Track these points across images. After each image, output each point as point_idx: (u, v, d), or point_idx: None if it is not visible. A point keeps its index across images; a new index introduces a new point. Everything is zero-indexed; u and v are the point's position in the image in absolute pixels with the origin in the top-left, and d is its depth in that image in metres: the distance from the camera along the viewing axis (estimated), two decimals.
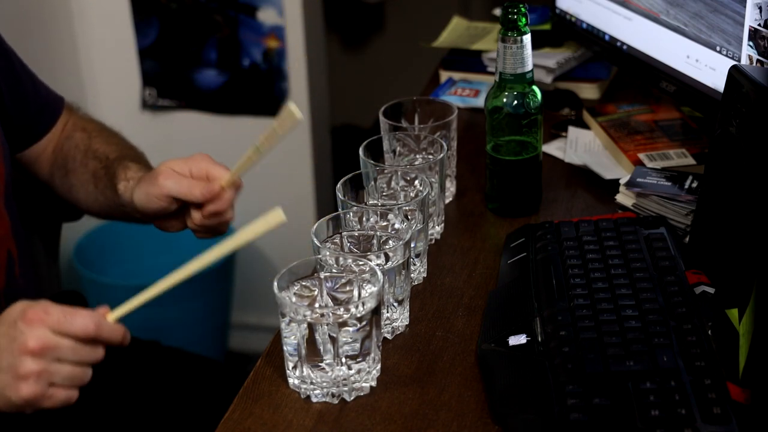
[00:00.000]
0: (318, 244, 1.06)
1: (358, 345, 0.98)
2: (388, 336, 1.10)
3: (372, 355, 1.00)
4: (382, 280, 0.98)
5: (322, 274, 1.03)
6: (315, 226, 1.08)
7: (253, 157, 1.20)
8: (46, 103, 1.40)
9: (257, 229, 1.06)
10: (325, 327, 0.96)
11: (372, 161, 1.22)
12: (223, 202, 1.21)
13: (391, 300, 1.08)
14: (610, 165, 1.42)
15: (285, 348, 1.00)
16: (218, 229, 1.27)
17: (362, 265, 1.02)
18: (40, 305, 1.00)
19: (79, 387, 1.02)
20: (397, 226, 1.12)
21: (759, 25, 1.19)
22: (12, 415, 1.30)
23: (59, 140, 1.42)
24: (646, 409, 0.90)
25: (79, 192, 1.39)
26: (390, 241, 1.10)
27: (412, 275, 1.15)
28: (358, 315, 0.97)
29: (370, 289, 1.01)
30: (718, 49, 1.27)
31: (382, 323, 1.06)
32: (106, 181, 1.34)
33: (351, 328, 0.97)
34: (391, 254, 1.06)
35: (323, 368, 0.99)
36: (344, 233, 1.10)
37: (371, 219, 1.13)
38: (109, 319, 1.03)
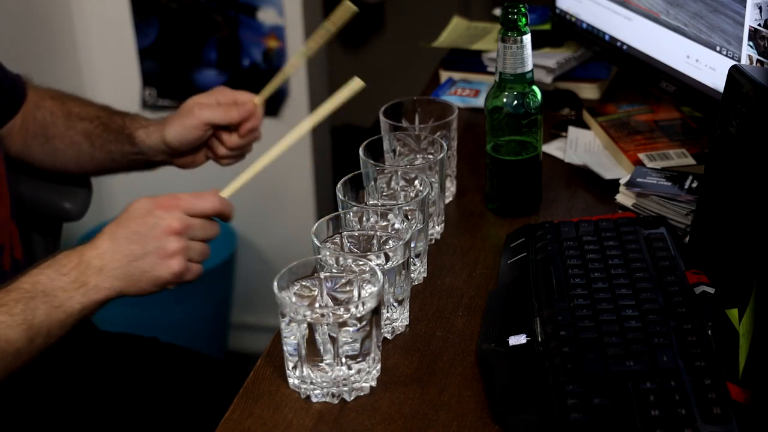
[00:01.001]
0: (318, 244, 1.06)
1: (358, 345, 0.98)
2: (388, 336, 1.10)
3: (372, 355, 1.00)
4: (382, 280, 0.98)
5: (322, 274, 1.03)
6: (315, 226, 1.08)
7: (297, 64, 1.40)
8: (13, 81, 1.46)
9: (341, 97, 1.23)
10: (325, 327, 0.96)
11: (372, 161, 1.22)
12: (257, 118, 1.42)
13: (391, 300, 1.08)
14: (610, 165, 1.42)
15: (285, 348, 1.00)
16: (245, 151, 1.45)
17: (362, 265, 1.02)
18: (168, 195, 1.15)
19: (203, 261, 1.17)
20: (397, 226, 1.12)
21: (759, 25, 1.19)
22: (12, 414, 1.30)
23: (27, 111, 1.47)
24: (646, 409, 0.90)
25: (66, 154, 1.48)
26: (390, 241, 1.10)
27: (412, 275, 1.15)
28: (358, 315, 0.97)
29: (370, 289, 1.01)
30: (718, 49, 1.27)
31: (382, 323, 1.06)
32: (106, 137, 1.45)
33: (351, 328, 0.97)
34: (391, 254, 1.06)
35: (323, 368, 0.99)
36: (344, 233, 1.10)
37: (371, 219, 1.13)
38: (224, 196, 1.19)
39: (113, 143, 1.46)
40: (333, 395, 1.00)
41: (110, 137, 1.45)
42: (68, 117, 1.47)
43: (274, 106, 2.35)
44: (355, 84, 1.20)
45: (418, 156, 1.29)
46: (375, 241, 1.10)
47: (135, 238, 1.13)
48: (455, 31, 1.81)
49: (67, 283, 1.11)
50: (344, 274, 1.03)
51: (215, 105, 1.41)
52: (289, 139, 1.23)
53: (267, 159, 1.23)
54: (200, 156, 1.48)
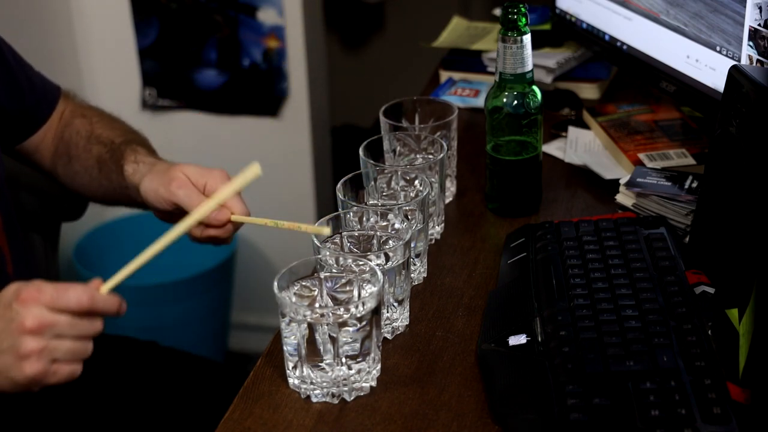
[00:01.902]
0: (318, 244, 1.06)
1: (358, 345, 0.98)
2: (388, 336, 1.10)
3: (372, 355, 1.00)
4: (382, 280, 0.98)
5: (322, 274, 1.03)
6: (317, 224, 1.07)
7: (267, 223, 1.17)
8: (43, 94, 1.40)
9: (236, 185, 1.07)
10: (325, 327, 0.96)
11: (372, 161, 1.22)
12: (225, 232, 1.21)
13: (391, 300, 1.08)
14: (610, 165, 1.42)
15: (285, 348, 1.00)
16: (219, 241, 1.25)
17: (362, 265, 1.02)
18: (32, 284, 0.99)
19: (82, 360, 1.02)
20: (397, 226, 1.12)
21: (759, 25, 1.19)
22: (11, 415, 1.30)
23: (58, 128, 1.42)
24: (646, 409, 0.90)
25: (83, 178, 1.39)
26: (390, 241, 1.10)
27: (412, 275, 1.15)
28: (358, 315, 0.97)
29: (370, 289, 1.01)
30: (718, 49, 1.27)
31: (382, 323, 1.06)
32: (110, 165, 1.34)
33: (351, 328, 0.97)
34: (391, 254, 1.06)
35: (323, 368, 0.99)
36: (344, 233, 1.10)
37: (371, 219, 1.13)
38: (102, 290, 1.02)
39: (114, 173, 1.34)
40: (333, 395, 1.00)
41: (113, 167, 1.34)
42: (89, 139, 1.38)
43: (274, 106, 2.35)
44: (253, 171, 1.05)
45: (418, 156, 1.29)
46: (375, 241, 1.10)
47: None
48: (455, 31, 1.81)
49: None
50: (344, 274, 1.03)
51: (195, 191, 1.21)
52: (179, 229, 1.06)
53: (157, 247, 1.05)
54: (176, 219, 1.24)
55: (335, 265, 1.04)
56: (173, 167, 1.24)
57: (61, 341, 0.99)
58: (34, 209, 1.54)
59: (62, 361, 1.00)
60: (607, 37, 1.52)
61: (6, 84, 1.34)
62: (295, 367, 1.00)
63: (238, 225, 1.21)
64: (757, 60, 1.20)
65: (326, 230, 1.07)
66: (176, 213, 1.23)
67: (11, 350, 0.98)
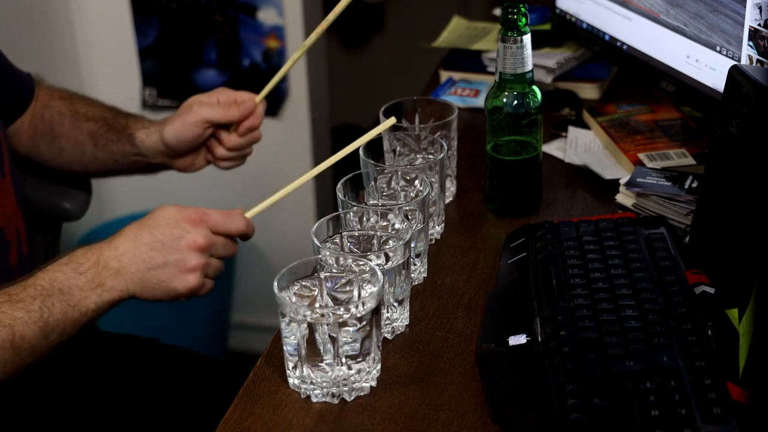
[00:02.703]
0: (318, 244, 1.06)
1: (358, 345, 0.98)
2: (388, 336, 1.10)
3: (372, 355, 1.00)
4: (382, 280, 0.98)
5: (322, 274, 1.03)
6: (315, 226, 1.08)
7: (296, 58, 1.38)
8: (22, 79, 1.46)
9: (372, 134, 1.20)
10: (325, 327, 0.96)
11: (372, 161, 1.22)
12: (257, 117, 1.41)
13: (392, 300, 1.08)
14: (610, 165, 1.42)
15: (285, 348, 1.00)
16: (244, 154, 1.45)
17: (362, 265, 1.02)
18: (196, 208, 1.15)
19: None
20: (397, 226, 1.12)
21: (759, 25, 1.19)
22: (13, 414, 1.30)
23: (36, 110, 1.47)
24: (646, 409, 0.90)
25: (71, 153, 1.48)
26: (390, 241, 1.10)
27: (412, 275, 1.15)
28: (358, 315, 0.97)
29: (370, 289, 1.01)
30: (718, 49, 1.27)
31: (382, 323, 1.06)
32: (109, 137, 1.45)
33: (351, 328, 0.97)
34: (391, 254, 1.06)
35: (323, 368, 0.99)
36: (344, 233, 1.10)
37: (371, 219, 1.13)
38: (248, 216, 1.19)
39: (115, 143, 1.45)
40: (333, 395, 1.00)
41: (113, 137, 1.45)
42: (75, 117, 1.47)
43: (274, 106, 2.35)
44: (389, 122, 1.20)
45: (418, 156, 1.29)
46: (375, 241, 1.10)
47: (157, 246, 1.14)
48: (455, 31, 1.81)
49: (84, 282, 1.12)
50: (344, 274, 1.03)
51: (215, 103, 1.40)
52: (321, 167, 1.20)
53: (297, 183, 1.21)
54: (200, 159, 1.47)
55: (335, 265, 1.04)
56: (182, 105, 1.42)
57: (214, 260, 1.17)
58: (35, 209, 1.54)
59: (209, 277, 1.17)
60: (607, 37, 1.52)
61: None
62: (295, 367, 1.00)
63: (264, 108, 1.43)
64: (757, 60, 1.20)
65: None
66: (195, 151, 1.43)
67: (178, 263, 1.14)
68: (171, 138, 1.41)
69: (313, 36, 1.36)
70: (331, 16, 1.31)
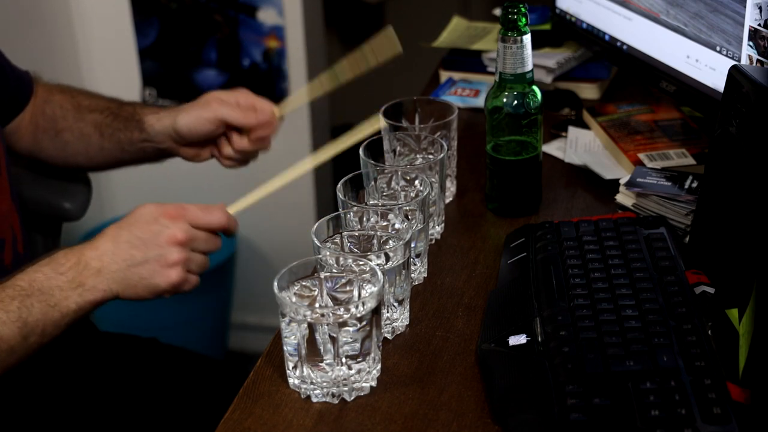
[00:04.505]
0: (318, 244, 1.06)
1: (358, 345, 0.98)
2: (388, 336, 1.10)
3: (372, 355, 1.00)
4: (382, 280, 0.98)
5: (323, 274, 1.03)
6: (315, 226, 1.08)
7: (325, 85, 1.39)
8: (20, 77, 1.45)
9: (360, 133, 1.25)
10: (325, 327, 0.96)
11: (372, 161, 1.22)
12: (272, 128, 1.41)
13: (392, 300, 1.08)
14: (610, 165, 1.42)
15: (285, 348, 1.00)
16: (249, 158, 1.46)
17: (362, 265, 1.02)
18: (173, 203, 1.15)
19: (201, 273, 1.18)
20: (397, 226, 1.12)
21: (759, 25, 1.19)
22: (12, 414, 1.30)
23: (35, 107, 1.46)
24: (646, 409, 0.90)
25: (76, 146, 1.47)
26: (390, 241, 1.10)
27: (412, 275, 1.15)
28: (358, 315, 0.97)
29: (370, 289, 1.01)
30: (718, 49, 1.27)
31: (383, 323, 1.06)
32: (116, 125, 1.45)
33: (351, 328, 0.97)
34: (391, 254, 1.06)
35: (323, 368, 0.99)
36: (344, 233, 1.10)
37: (371, 219, 1.13)
38: (231, 212, 1.19)
39: (122, 131, 1.45)
40: (333, 395, 1.00)
41: (119, 125, 1.45)
42: (78, 109, 1.47)
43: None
44: (376, 122, 1.22)
45: (418, 156, 1.29)
46: (375, 241, 1.10)
47: (137, 243, 1.13)
48: (455, 31, 1.81)
49: (64, 282, 1.11)
50: (344, 274, 1.03)
51: (235, 104, 1.40)
52: (308, 164, 1.22)
53: (282, 180, 1.22)
54: (206, 152, 1.47)
55: (335, 265, 1.04)
56: (202, 97, 1.41)
57: (196, 254, 1.16)
58: (34, 209, 1.54)
59: (193, 272, 1.16)
60: (607, 37, 1.52)
61: None
62: (295, 367, 1.00)
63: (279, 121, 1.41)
64: (757, 60, 1.20)
65: (393, 38, 1.22)
66: (206, 143, 1.42)
67: (159, 259, 1.13)
68: (184, 128, 1.41)
69: (350, 72, 1.37)
70: (373, 60, 1.32)
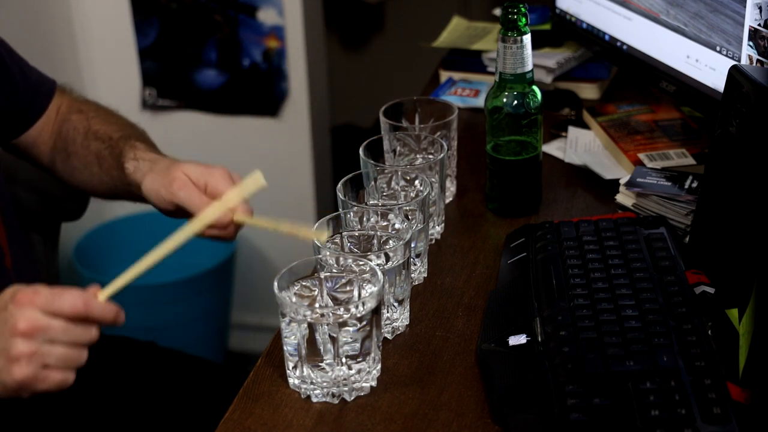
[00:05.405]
0: (318, 244, 1.06)
1: (358, 345, 0.98)
2: (388, 336, 1.10)
3: (372, 355, 1.00)
4: (382, 280, 0.98)
5: (323, 274, 1.03)
6: (315, 226, 1.08)
7: (269, 226, 1.18)
8: (37, 88, 1.40)
9: (241, 193, 1.13)
10: (325, 327, 0.96)
11: (372, 161, 1.22)
12: (227, 233, 1.20)
13: (392, 300, 1.08)
14: (610, 165, 1.42)
15: (285, 348, 1.00)
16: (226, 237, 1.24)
17: (362, 265, 1.02)
18: (30, 288, 0.98)
19: (74, 369, 1.00)
20: (397, 226, 1.12)
21: (759, 25, 1.19)
22: (8, 415, 1.30)
23: (56, 123, 1.41)
24: (646, 409, 0.90)
25: (82, 174, 1.39)
26: (390, 241, 1.10)
27: (412, 275, 1.15)
28: (359, 315, 0.97)
29: (370, 289, 1.01)
30: (718, 49, 1.27)
31: (383, 323, 1.06)
32: (110, 161, 1.34)
33: (351, 328, 0.97)
34: (391, 254, 1.06)
35: (323, 368, 0.99)
36: (344, 233, 1.10)
37: (371, 219, 1.13)
38: (100, 297, 1.01)
39: (114, 170, 1.34)
40: (333, 395, 1.00)
41: (113, 163, 1.34)
42: (86, 135, 1.38)
43: (274, 106, 2.35)
44: (256, 181, 1.12)
45: (418, 156, 1.29)
46: (375, 241, 1.10)
47: None
48: (455, 31, 1.81)
49: None
50: (344, 274, 1.03)
51: (196, 191, 1.21)
52: (181, 236, 1.09)
53: (160, 252, 1.08)
54: (180, 216, 1.28)
55: (335, 265, 1.04)
56: (173, 166, 1.24)
57: (53, 346, 0.97)
58: (34, 209, 1.54)
59: (53, 368, 0.98)
60: (607, 37, 1.52)
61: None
62: (295, 367, 1.00)
63: (240, 225, 1.20)
64: (757, 60, 1.20)
65: (324, 235, 1.07)
66: (179, 211, 1.23)
67: (2, 352, 0.97)
68: (146, 195, 1.27)
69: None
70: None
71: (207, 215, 1.13)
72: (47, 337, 0.97)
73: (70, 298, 0.97)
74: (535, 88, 1.27)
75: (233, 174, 1.23)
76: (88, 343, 1.00)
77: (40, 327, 0.96)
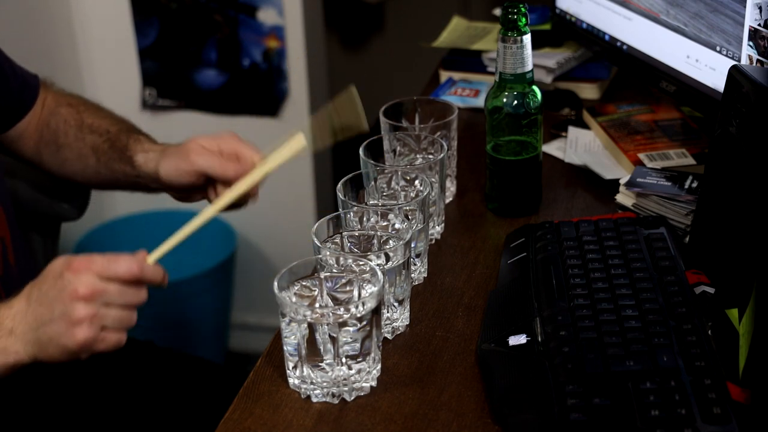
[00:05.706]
0: (318, 244, 1.06)
1: (358, 345, 0.98)
2: (388, 336, 1.10)
3: (372, 355, 1.00)
4: (382, 280, 0.98)
5: (323, 274, 1.03)
6: (315, 226, 1.08)
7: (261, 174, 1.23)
8: (24, 81, 1.42)
9: (281, 157, 1.17)
10: (326, 327, 0.96)
11: (372, 161, 1.22)
12: (255, 197, 1.27)
13: (392, 300, 1.08)
14: (610, 165, 1.42)
15: (285, 348, 1.01)
16: (242, 204, 1.31)
17: (362, 265, 1.02)
18: (82, 256, 1.04)
19: (127, 329, 1.06)
20: (397, 226, 1.12)
21: (759, 25, 1.19)
22: (10, 414, 1.30)
23: (42, 116, 1.43)
24: (646, 409, 0.90)
25: (74, 165, 1.43)
26: (390, 241, 1.10)
27: (412, 275, 1.15)
28: (359, 315, 0.97)
29: (370, 289, 1.01)
30: (718, 49, 1.27)
31: (383, 323, 1.06)
32: (111, 154, 1.38)
33: (351, 328, 0.97)
34: (391, 254, 1.06)
35: (323, 368, 0.99)
36: (344, 233, 1.10)
37: (371, 219, 1.13)
38: (149, 260, 1.07)
39: (116, 162, 1.38)
40: (333, 395, 1.00)
41: (114, 155, 1.38)
42: (80, 128, 1.41)
43: (274, 106, 2.35)
44: (298, 142, 1.18)
45: (418, 156, 1.29)
46: (375, 241, 1.10)
47: (44, 300, 1.04)
48: (455, 31, 1.81)
49: None
50: (344, 274, 1.03)
51: (214, 154, 1.27)
52: (227, 198, 1.15)
53: (202, 218, 1.13)
54: (195, 195, 1.36)
55: (335, 265, 1.04)
56: (185, 142, 1.30)
57: (109, 309, 1.03)
58: (34, 208, 1.54)
59: (110, 329, 1.04)
60: (607, 37, 1.52)
61: None
62: (295, 367, 1.00)
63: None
64: (757, 60, 1.20)
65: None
66: (194, 190, 1.31)
67: (63, 317, 1.02)
68: (165, 177, 1.32)
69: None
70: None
71: (253, 176, 1.19)
72: (104, 300, 1.03)
73: (125, 263, 1.04)
74: (535, 88, 1.27)
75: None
76: (138, 303, 1.06)
77: (98, 291, 1.02)
